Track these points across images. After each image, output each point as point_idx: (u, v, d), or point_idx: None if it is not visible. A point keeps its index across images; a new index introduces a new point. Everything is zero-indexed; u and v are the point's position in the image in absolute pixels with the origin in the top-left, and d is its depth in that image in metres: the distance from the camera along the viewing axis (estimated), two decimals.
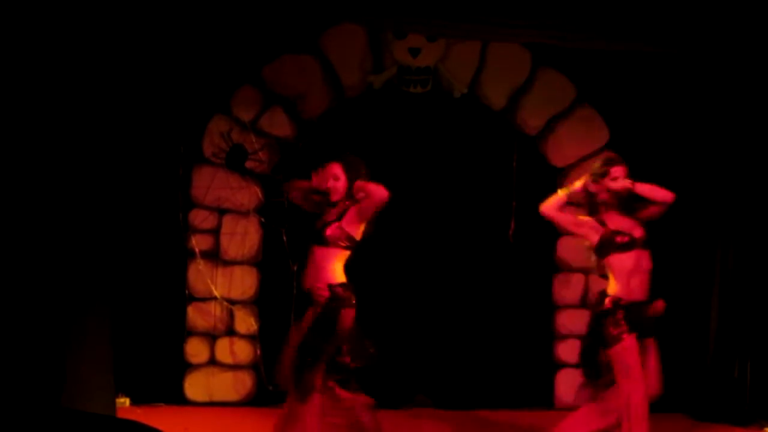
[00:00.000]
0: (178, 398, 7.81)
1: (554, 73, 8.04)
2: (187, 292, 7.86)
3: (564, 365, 7.97)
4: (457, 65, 8.01)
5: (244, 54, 7.79)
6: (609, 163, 5.93)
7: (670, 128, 7.96)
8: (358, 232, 5.86)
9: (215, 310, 7.87)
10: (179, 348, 7.84)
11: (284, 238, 7.76)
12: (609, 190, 5.82)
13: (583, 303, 7.90)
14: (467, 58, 8.00)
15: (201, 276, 7.84)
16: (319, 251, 5.83)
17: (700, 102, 7.85)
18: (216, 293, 7.85)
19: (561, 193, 5.98)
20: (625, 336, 5.64)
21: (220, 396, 7.86)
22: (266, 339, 7.90)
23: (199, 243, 7.85)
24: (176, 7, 7.02)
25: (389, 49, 7.96)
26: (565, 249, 7.99)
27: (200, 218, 7.89)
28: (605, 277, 5.90)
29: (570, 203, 5.99)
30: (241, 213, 7.92)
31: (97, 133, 6.36)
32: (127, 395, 7.66)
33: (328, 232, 5.80)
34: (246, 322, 7.90)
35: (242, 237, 7.90)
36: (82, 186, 6.23)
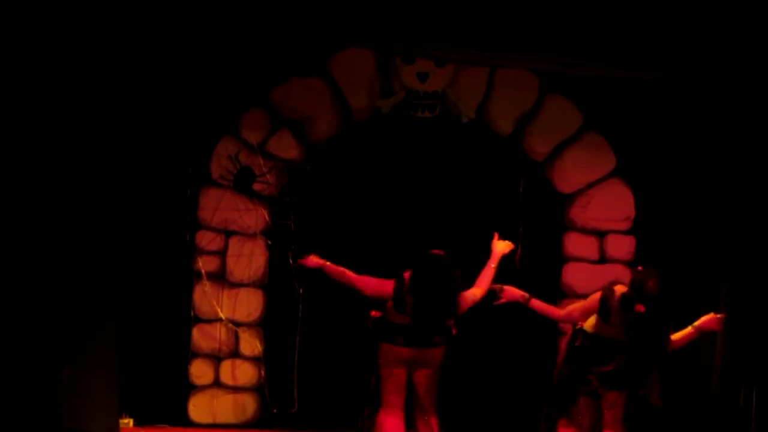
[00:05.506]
0: (182, 420, 7.80)
1: (562, 100, 8.05)
2: (192, 313, 7.87)
3: None
4: (465, 91, 8.04)
5: (253, 76, 7.83)
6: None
7: (677, 155, 7.95)
8: None
9: (220, 331, 7.87)
10: (184, 369, 7.84)
11: (290, 260, 7.76)
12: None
13: None
14: (475, 84, 8.03)
15: (207, 297, 7.86)
16: None
17: (706, 129, 7.85)
18: (221, 315, 7.86)
19: None
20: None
21: (223, 418, 7.84)
22: (271, 361, 7.91)
23: (205, 264, 7.86)
24: (186, 30, 7.06)
25: (397, 73, 7.99)
26: (571, 275, 8.00)
27: (207, 240, 7.90)
28: None
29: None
30: (248, 235, 7.93)
31: (106, 154, 6.39)
32: (130, 416, 7.64)
33: None
34: (251, 344, 7.89)
35: (248, 259, 7.91)
36: (90, 206, 6.25)
